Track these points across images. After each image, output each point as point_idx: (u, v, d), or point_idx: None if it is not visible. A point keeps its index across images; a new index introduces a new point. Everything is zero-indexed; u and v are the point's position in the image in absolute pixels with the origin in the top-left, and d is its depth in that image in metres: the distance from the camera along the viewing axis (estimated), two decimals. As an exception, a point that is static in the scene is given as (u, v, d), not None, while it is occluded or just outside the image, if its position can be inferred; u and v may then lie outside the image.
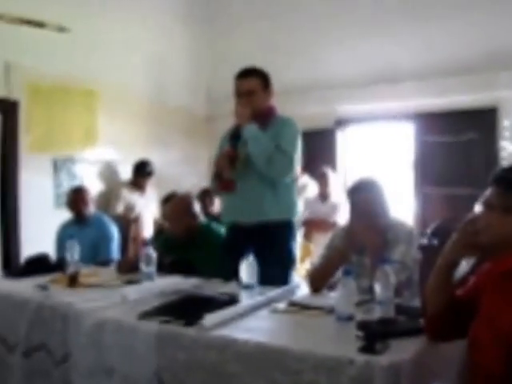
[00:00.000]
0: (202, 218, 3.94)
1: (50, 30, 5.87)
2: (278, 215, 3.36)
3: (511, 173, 1.91)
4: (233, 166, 3.35)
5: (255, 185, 3.34)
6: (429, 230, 4.40)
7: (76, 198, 4.96)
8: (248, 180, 3.35)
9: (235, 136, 3.39)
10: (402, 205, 6.30)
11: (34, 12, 5.72)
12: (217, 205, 5.61)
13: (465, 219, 1.93)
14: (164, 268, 3.50)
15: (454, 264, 1.96)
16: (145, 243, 3.68)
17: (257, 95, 3.35)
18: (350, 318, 2.23)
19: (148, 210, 6.61)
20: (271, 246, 3.21)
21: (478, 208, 1.92)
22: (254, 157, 3.27)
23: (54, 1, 5.87)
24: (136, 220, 6.44)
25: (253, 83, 3.36)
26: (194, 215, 3.87)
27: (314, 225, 5.97)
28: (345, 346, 1.99)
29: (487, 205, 1.88)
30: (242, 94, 3.36)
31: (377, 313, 2.20)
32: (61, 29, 5.94)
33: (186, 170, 7.33)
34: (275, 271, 3.09)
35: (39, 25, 5.78)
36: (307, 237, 5.99)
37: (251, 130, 3.25)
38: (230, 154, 3.37)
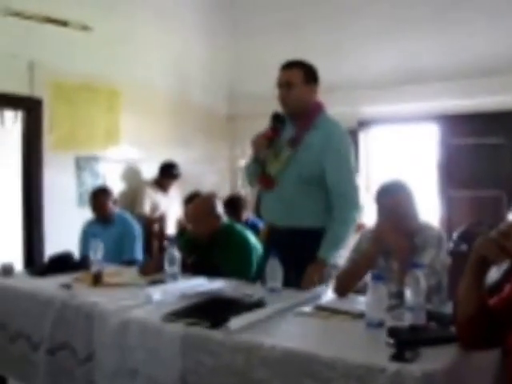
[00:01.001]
0: (224, 219, 3.90)
1: (73, 28, 5.89)
2: (315, 222, 3.26)
3: None
4: (270, 147, 3.27)
5: (293, 188, 3.26)
6: (455, 235, 4.34)
7: (99, 202, 4.93)
8: (288, 181, 3.26)
9: (279, 120, 3.32)
10: (427, 208, 6.23)
11: (58, 11, 5.74)
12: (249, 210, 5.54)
13: (502, 225, 1.88)
14: (187, 268, 3.48)
15: (485, 262, 1.89)
16: (169, 241, 3.66)
17: (297, 87, 3.25)
18: (380, 324, 2.19)
19: (171, 209, 6.61)
20: (302, 252, 3.14)
21: (510, 216, 1.87)
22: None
23: (77, 0, 5.88)
24: (160, 219, 6.44)
25: (293, 75, 3.27)
26: (216, 216, 3.83)
27: None
28: (375, 353, 1.95)
29: None
30: (281, 85, 3.29)
31: (407, 319, 2.16)
32: (84, 28, 5.96)
33: (207, 169, 7.32)
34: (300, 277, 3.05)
35: (63, 23, 5.80)
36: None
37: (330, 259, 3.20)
38: (268, 134, 3.30)
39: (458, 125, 6.23)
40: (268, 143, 3.27)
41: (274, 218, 3.41)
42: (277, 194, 3.30)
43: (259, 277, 3.30)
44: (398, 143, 7.06)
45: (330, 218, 3.23)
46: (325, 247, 3.17)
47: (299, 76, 3.28)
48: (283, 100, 3.29)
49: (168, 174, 6.61)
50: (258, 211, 4.15)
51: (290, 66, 3.31)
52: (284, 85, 3.27)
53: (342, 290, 2.90)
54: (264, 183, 3.38)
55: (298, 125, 3.31)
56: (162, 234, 6.38)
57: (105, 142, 6.32)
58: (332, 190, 3.21)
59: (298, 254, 2.98)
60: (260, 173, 3.36)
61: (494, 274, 2.53)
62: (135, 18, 6.48)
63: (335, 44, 6.89)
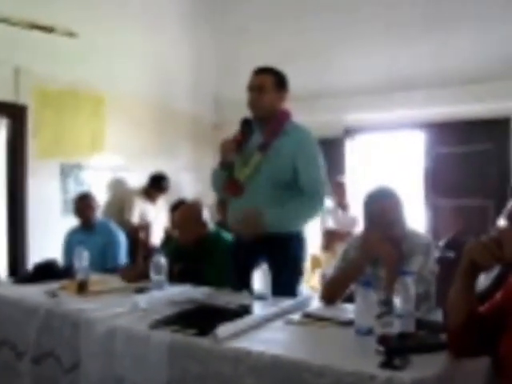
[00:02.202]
0: (211, 227, 3.89)
1: (59, 35, 5.86)
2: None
3: None
4: (239, 151, 3.27)
5: (264, 193, 3.24)
6: (442, 243, 4.34)
7: (83, 205, 4.95)
8: (257, 187, 3.25)
9: (248, 125, 3.32)
10: (413, 216, 6.24)
11: (44, 17, 5.72)
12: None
13: (493, 231, 1.87)
14: (173, 276, 3.46)
15: (476, 267, 1.88)
16: (154, 250, 3.63)
17: (268, 92, 3.28)
18: (369, 332, 2.18)
19: (159, 220, 6.59)
20: (277, 258, 3.08)
21: (501, 222, 1.87)
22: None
23: (63, 6, 5.87)
24: (144, 227, 6.41)
25: (266, 79, 3.30)
26: (202, 223, 3.82)
27: (336, 235, 5.89)
28: (364, 360, 1.93)
29: (510, 219, 1.83)
30: (252, 89, 3.30)
31: (397, 327, 2.14)
32: (70, 34, 5.94)
33: (193, 177, 7.31)
34: (280, 283, 3.02)
35: (49, 30, 5.77)
36: (329, 247, 5.92)
37: (272, 223, 3.19)
38: (236, 138, 3.30)
39: (445, 133, 6.27)
40: (236, 147, 3.27)
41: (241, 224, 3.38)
42: (246, 200, 3.28)
43: (231, 284, 3.29)
44: (384, 151, 7.08)
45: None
46: (275, 214, 3.19)
47: (271, 81, 3.31)
48: (254, 104, 3.30)
49: (157, 186, 6.60)
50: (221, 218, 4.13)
51: (263, 71, 3.35)
52: (255, 88, 3.29)
53: (329, 298, 2.89)
54: (232, 189, 3.35)
55: (267, 130, 3.31)
56: (146, 243, 6.35)
57: (90, 149, 6.29)
58: (304, 188, 3.23)
59: (268, 260, 2.95)
60: (227, 179, 3.34)
61: (483, 281, 2.53)
62: (120, 25, 6.48)
63: (321, 52, 6.92)
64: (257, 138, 3.31)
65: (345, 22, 6.76)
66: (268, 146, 3.27)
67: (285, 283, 3.08)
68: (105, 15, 6.29)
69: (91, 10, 6.13)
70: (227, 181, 3.35)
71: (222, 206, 4.63)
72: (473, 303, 1.92)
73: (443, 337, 2.02)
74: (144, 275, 3.37)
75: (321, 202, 3.27)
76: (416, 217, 6.36)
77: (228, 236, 3.81)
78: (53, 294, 3.12)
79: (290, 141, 3.26)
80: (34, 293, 3.23)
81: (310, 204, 3.24)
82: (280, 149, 3.25)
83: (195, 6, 7.60)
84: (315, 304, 2.92)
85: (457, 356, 1.96)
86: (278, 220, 3.20)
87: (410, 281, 2.20)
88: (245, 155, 3.29)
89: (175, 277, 3.50)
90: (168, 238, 5.55)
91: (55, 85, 5.84)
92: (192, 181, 7.24)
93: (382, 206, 2.87)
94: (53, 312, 2.89)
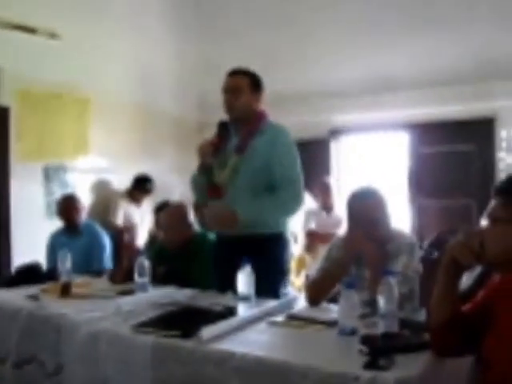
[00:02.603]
0: (196, 228, 3.88)
1: (41, 36, 5.83)
2: (266, 228, 3.26)
3: (509, 184, 1.86)
4: (216, 154, 3.27)
5: (243, 195, 3.23)
6: (426, 243, 4.36)
7: (67, 206, 4.91)
8: (236, 189, 3.24)
9: (225, 128, 3.33)
10: (397, 216, 6.25)
11: (26, 18, 5.68)
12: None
13: (470, 231, 1.88)
14: (158, 278, 3.44)
15: (458, 266, 1.88)
16: (138, 252, 3.61)
17: (244, 94, 3.27)
18: (353, 332, 2.17)
19: (144, 222, 6.57)
20: (259, 259, 3.02)
21: (483, 222, 1.87)
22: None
23: (45, 7, 5.83)
24: (128, 229, 6.38)
25: (241, 81, 3.29)
26: (188, 225, 3.83)
27: (318, 237, 5.88)
28: (348, 361, 1.93)
29: (492, 218, 1.83)
30: (228, 90, 3.29)
31: (380, 327, 2.14)
32: (52, 35, 5.90)
33: (178, 178, 7.26)
34: (263, 284, 3.02)
35: (31, 31, 5.73)
36: (311, 249, 5.91)
37: (248, 219, 3.17)
38: (214, 141, 3.30)
39: (428, 133, 6.29)
40: (214, 150, 3.27)
41: None
42: (225, 202, 3.26)
43: (214, 286, 3.28)
44: (369, 152, 7.10)
45: (280, 224, 3.27)
46: (249, 206, 3.18)
47: (246, 83, 3.30)
48: (230, 105, 3.29)
49: (141, 187, 6.59)
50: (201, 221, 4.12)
51: (238, 72, 3.34)
52: (231, 90, 3.28)
53: (314, 299, 2.88)
54: (212, 192, 3.34)
55: (243, 132, 3.30)
56: (131, 245, 6.31)
57: (74, 151, 6.26)
58: (281, 178, 3.20)
59: (251, 261, 2.94)
60: (207, 183, 3.34)
61: (465, 280, 2.54)
62: (104, 26, 6.45)
63: (306, 53, 6.92)
64: (234, 140, 3.31)
65: (329, 24, 6.76)
66: (244, 147, 3.26)
67: (267, 284, 3.06)
68: (88, 17, 6.26)
69: (74, 12, 6.09)
70: (207, 184, 3.34)
71: (196, 209, 4.62)
72: (455, 302, 1.92)
73: (426, 336, 2.02)
74: (129, 277, 3.34)
75: (296, 197, 3.24)
76: (400, 217, 6.38)
77: (214, 237, 3.80)
78: (35, 298, 3.09)
79: (266, 140, 3.26)
80: (15, 297, 3.19)
81: (284, 198, 3.20)
82: (256, 149, 3.24)
83: (179, 7, 7.57)
84: (300, 305, 2.92)
85: (440, 355, 1.96)
86: (252, 215, 3.18)
87: (393, 281, 2.19)
88: (223, 158, 3.29)
89: (160, 279, 3.48)
90: (152, 240, 5.53)
91: (38, 87, 5.81)
92: (177, 182, 7.20)
93: (365, 206, 2.87)
94: (35, 316, 2.86)
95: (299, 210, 3.30)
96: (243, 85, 3.28)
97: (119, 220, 6.39)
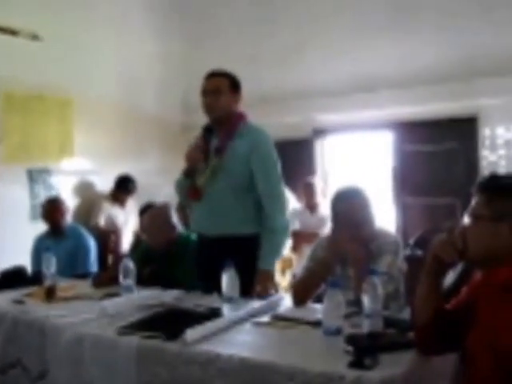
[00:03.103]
0: (180, 229, 3.87)
1: (23, 38, 5.79)
2: (247, 229, 3.28)
3: (494, 180, 1.88)
4: (205, 159, 3.27)
5: (223, 196, 3.26)
6: (411, 241, 4.37)
7: (51, 209, 4.87)
8: (216, 190, 3.26)
9: (209, 132, 3.33)
10: (382, 215, 6.27)
11: (7, 20, 5.64)
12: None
13: (452, 228, 1.89)
14: (143, 280, 3.43)
15: (441, 264, 1.90)
16: (123, 255, 3.60)
17: (223, 95, 3.26)
18: (337, 332, 2.18)
19: (129, 224, 6.54)
20: (241, 259, 3.03)
21: (466, 219, 1.88)
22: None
23: (26, 9, 5.79)
24: (114, 232, 6.35)
25: (220, 82, 3.28)
26: (172, 226, 3.82)
27: (303, 237, 5.88)
28: (334, 361, 1.93)
29: (474, 216, 1.84)
30: (208, 92, 3.28)
31: (365, 326, 2.15)
32: (34, 37, 5.86)
33: (163, 180, 7.22)
34: (244, 283, 3.02)
35: (12, 33, 5.69)
36: (296, 249, 5.91)
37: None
38: (203, 147, 3.29)
39: (412, 132, 6.31)
40: (203, 155, 3.27)
41: (203, 227, 3.39)
42: (205, 203, 3.30)
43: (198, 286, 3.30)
44: (353, 151, 7.11)
45: (261, 224, 3.28)
46: (266, 258, 3.20)
47: (226, 84, 3.29)
48: (210, 107, 3.29)
49: (123, 188, 6.55)
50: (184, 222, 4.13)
51: (217, 74, 3.33)
52: (211, 92, 3.27)
53: (299, 299, 2.88)
54: (191, 194, 3.36)
55: (222, 133, 3.31)
56: (116, 248, 6.29)
57: (58, 153, 6.22)
58: (263, 194, 3.24)
59: (234, 261, 2.94)
60: (189, 186, 3.36)
61: (450, 278, 2.55)
62: (86, 27, 6.40)
63: (288, 54, 6.92)
64: (214, 142, 3.32)
65: (312, 25, 6.76)
66: (223, 149, 3.27)
67: (249, 284, 3.07)
68: (69, 18, 6.21)
69: (55, 13, 6.05)
70: (189, 186, 3.35)
71: (180, 210, 4.62)
72: (439, 300, 1.93)
73: (411, 335, 2.03)
74: (115, 280, 3.33)
75: (283, 211, 3.28)
76: (386, 216, 6.40)
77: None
78: (19, 302, 3.07)
79: (245, 142, 3.26)
80: (0, 301, 3.17)
81: (277, 225, 3.24)
82: (235, 151, 3.25)
83: (162, 9, 7.54)
84: (286, 305, 2.92)
85: (424, 354, 1.97)
86: (274, 258, 3.25)
87: (377, 280, 2.20)
88: (207, 161, 3.30)
89: (145, 280, 3.47)
90: (137, 242, 5.50)
91: (21, 89, 5.76)
92: (162, 183, 7.16)
93: (349, 206, 2.88)
94: (19, 320, 2.85)
95: (287, 219, 3.32)
96: (223, 86, 3.28)
97: (102, 222, 6.35)
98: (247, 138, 3.28)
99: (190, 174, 3.33)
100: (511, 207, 1.78)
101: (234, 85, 3.33)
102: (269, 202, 3.24)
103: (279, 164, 3.32)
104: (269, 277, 3.16)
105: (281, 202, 3.27)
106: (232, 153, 3.25)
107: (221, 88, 3.26)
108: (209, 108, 3.30)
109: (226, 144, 3.27)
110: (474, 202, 1.86)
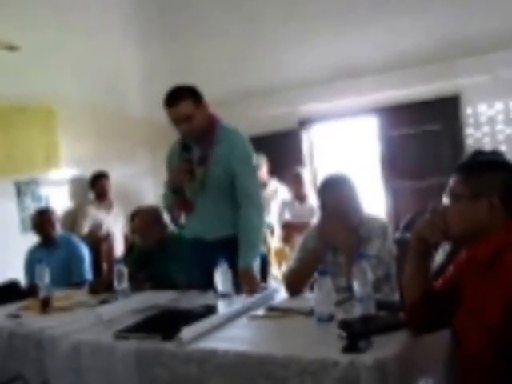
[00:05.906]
0: (171, 228, 3.89)
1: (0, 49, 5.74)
2: (235, 229, 3.28)
3: (470, 159, 1.91)
4: (192, 179, 3.28)
5: (214, 202, 3.29)
6: (401, 224, 4.39)
7: (42, 220, 4.84)
8: (207, 198, 3.29)
9: (186, 149, 3.33)
10: (373, 200, 6.29)
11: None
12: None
13: (435, 209, 1.92)
14: (139, 283, 3.44)
15: (427, 245, 1.93)
16: (116, 261, 3.60)
17: (194, 117, 3.21)
18: (330, 319, 2.19)
19: (117, 227, 6.52)
20: (235, 255, 3.13)
21: (445, 199, 1.90)
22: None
23: (1, 20, 5.75)
24: (106, 238, 6.33)
25: (185, 108, 3.20)
26: (162, 225, 3.85)
27: (294, 227, 5.90)
28: (328, 347, 1.95)
29: (452, 195, 1.87)
30: (178, 121, 3.23)
31: (357, 310, 2.17)
32: (11, 48, 5.80)
33: (152, 181, 7.25)
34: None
35: (-13, 45, 5.66)
36: (287, 240, 5.93)
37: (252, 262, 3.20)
38: (188, 167, 3.28)
39: (396, 115, 6.33)
40: (189, 176, 3.27)
41: (200, 232, 3.39)
42: (197, 211, 3.34)
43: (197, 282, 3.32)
44: (340, 139, 7.13)
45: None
46: (245, 257, 3.17)
47: (191, 105, 3.21)
48: (187, 133, 3.26)
49: (98, 183, 6.51)
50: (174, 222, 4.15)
51: (178, 98, 3.22)
52: (182, 120, 3.21)
53: (293, 289, 2.91)
54: (182, 208, 3.44)
55: (202, 143, 3.30)
56: (110, 254, 6.27)
57: (45, 164, 6.19)
58: (239, 192, 3.25)
59: (229, 258, 2.97)
60: (179, 199, 3.38)
61: (440, 258, 2.57)
62: (64, 34, 6.34)
63: (270, 47, 6.93)
64: (196, 152, 3.31)
65: (290, 16, 6.77)
66: (207, 158, 3.27)
67: None
68: (45, 26, 6.17)
69: (31, 22, 6.00)
70: (179, 200, 3.39)
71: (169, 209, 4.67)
72: (427, 280, 1.95)
73: (402, 316, 2.05)
74: (110, 287, 3.34)
75: (258, 207, 3.27)
76: (376, 201, 6.42)
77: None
78: (15, 316, 3.07)
79: (224, 145, 3.27)
80: (-4, 317, 3.18)
81: (253, 222, 3.23)
82: (217, 157, 3.26)
83: (143, 10, 7.50)
84: (281, 296, 2.94)
85: (416, 332, 1.99)
86: (252, 256, 3.21)
87: (365, 264, 2.22)
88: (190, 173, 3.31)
89: (141, 284, 3.49)
90: (131, 247, 5.50)
91: (2, 101, 5.68)
92: (152, 185, 7.18)
93: (336, 195, 2.90)
94: (15, 334, 2.85)
95: (263, 213, 3.33)
96: (189, 110, 3.20)
97: (84, 231, 6.31)
98: (225, 141, 3.28)
99: (177, 190, 3.35)
100: (488, 183, 1.81)
101: (196, 99, 3.26)
102: (245, 201, 3.23)
103: (254, 160, 3.35)
104: (251, 274, 3.14)
105: (257, 202, 3.27)
106: (215, 159, 3.26)
107: (189, 113, 3.20)
108: (186, 134, 3.28)
109: (207, 153, 3.28)
110: (451, 181, 1.88)
